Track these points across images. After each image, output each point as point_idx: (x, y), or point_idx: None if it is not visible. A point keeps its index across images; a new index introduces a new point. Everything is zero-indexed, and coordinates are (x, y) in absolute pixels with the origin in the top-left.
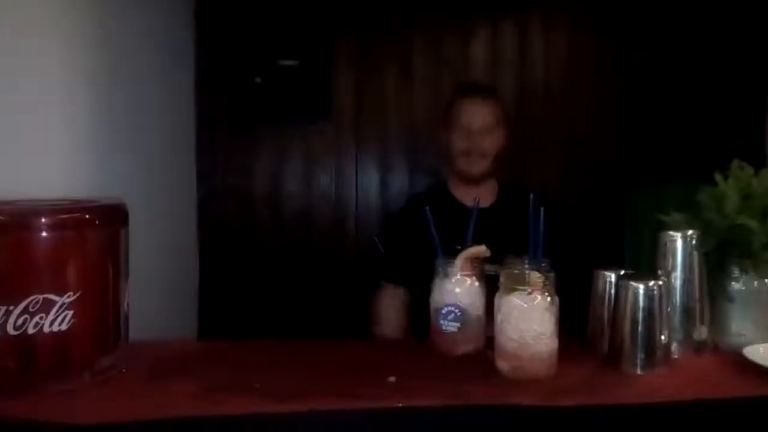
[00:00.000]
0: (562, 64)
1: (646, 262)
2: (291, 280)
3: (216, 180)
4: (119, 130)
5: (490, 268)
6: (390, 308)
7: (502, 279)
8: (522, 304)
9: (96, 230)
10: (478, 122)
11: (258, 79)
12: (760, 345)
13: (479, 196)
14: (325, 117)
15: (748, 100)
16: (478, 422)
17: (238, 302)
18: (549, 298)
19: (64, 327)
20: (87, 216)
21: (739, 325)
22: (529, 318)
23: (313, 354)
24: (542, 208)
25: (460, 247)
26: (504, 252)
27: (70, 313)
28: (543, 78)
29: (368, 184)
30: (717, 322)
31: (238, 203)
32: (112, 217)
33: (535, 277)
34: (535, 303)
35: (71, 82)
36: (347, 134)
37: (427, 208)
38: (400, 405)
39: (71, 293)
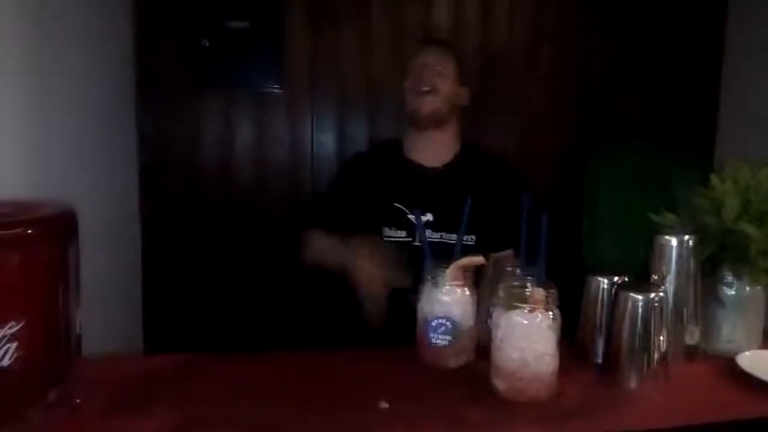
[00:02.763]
0: (525, 30)
1: (603, 226)
2: (242, 257)
3: (159, 151)
4: (47, 103)
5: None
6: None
7: (501, 294)
8: (523, 321)
9: (42, 247)
10: (431, 60)
11: (206, 42)
12: (748, 352)
13: (436, 150)
14: (278, 83)
15: (702, 68)
16: None
17: (187, 284)
18: (551, 316)
19: (6, 363)
20: (30, 231)
21: (730, 331)
22: (531, 337)
23: (290, 371)
24: (545, 215)
25: (400, 206)
26: (453, 217)
27: (14, 345)
28: (505, 43)
29: (324, 154)
30: (708, 327)
31: (184, 175)
32: (60, 229)
33: (538, 293)
34: (537, 321)
35: None
36: (302, 101)
37: (419, 212)
38: None
39: (14, 323)
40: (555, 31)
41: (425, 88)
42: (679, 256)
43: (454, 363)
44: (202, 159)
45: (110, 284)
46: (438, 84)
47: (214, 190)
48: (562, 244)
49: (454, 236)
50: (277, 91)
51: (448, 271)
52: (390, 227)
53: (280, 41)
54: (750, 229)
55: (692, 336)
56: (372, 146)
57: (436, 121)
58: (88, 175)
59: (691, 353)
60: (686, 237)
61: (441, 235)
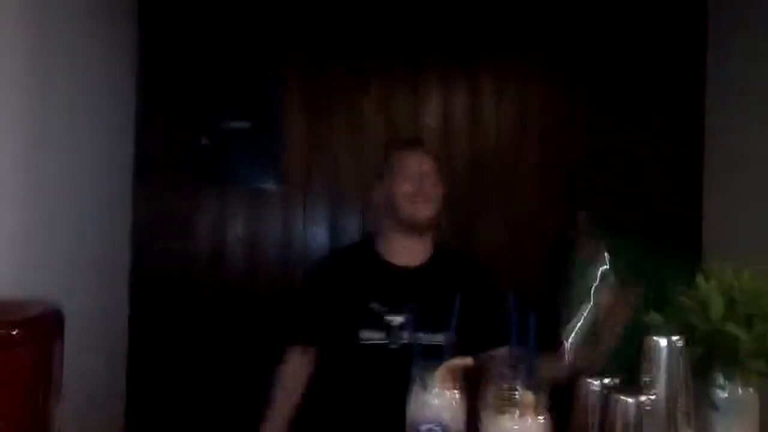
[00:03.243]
0: (513, 130)
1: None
2: (232, 351)
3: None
4: (39, 195)
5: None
6: (291, 379)
7: (489, 398)
8: (513, 426)
9: (27, 348)
10: (426, 167)
11: (205, 141)
12: None
13: (413, 252)
14: (274, 180)
15: (685, 162)
16: None
17: (174, 376)
18: (541, 420)
19: None
20: (15, 332)
21: None
22: None
23: None
24: (533, 315)
25: (377, 307)
26: (432, 316)
27: None
28: (494, 143)
29: (317, 247)
30: (702, 430)
31: (176, 266)
32: (46, 330)
33: (527, 397)
34: (527, 426)
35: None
36: (296, 196)
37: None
38: None
39: None
40: (541, 128)
41: (425, 199)
42: (669, 357)
43: None
44: (195, 249)
45: (95, 377)
46: (434, 194)
47: (206, 281)
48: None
49: (435, 336)
50: (272, 187)
51: (436, 373)
52: (367, 330)
53: (278, 140)
54: (738, 330)
55: None
56: (340, 247)
57: (428, 227)
58: (77, 263)
59: None
60: (675, 338)
61: (428, 337)
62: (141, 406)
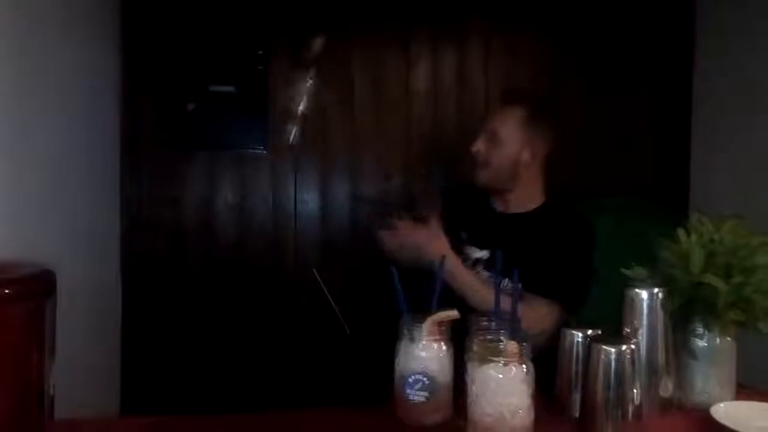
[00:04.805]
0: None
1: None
2: (224, 317)
3: (141, 210)
4: (29, 161)
5: None
6: None
7: (474, 348)
8: (498, 375)
9: (17, 307)
10: (489, 125)
11: (191, 106)
12: (722, 403)
13: (510, 202)
14: (262, 144)
15: (672, 121)
16: None
17: (166, 345)
18: (525, 369)
19: None
20: (7, 291)
21: (703, 382)
22: (506, 391)
23: None
24: (515, 269)
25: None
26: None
27: None
28: (483, 107)
29: (307, 214)
30: (681, 379)
31: (166, 236)
32: (37, 289)
33: (512, 346)
34: (511, 375)
35: None
36: (285, 161)
37: (394, 269)
38: None
39: None
40: (530, 89)
41: (482, 163)
42: (650, 308)
43: (431, 419)
44: (185, 218)
45: (88, 344)
46: (490, 156)
47: (196, 250)
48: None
49: (506, 283)
50: (260, 151)
51: (424, 325)
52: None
53: (265, 103)
54: (716, 282)
55: (666, 388)
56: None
57: (494, 190)
58: (68, 232)
59: (666, 406)
60: (656, 290)
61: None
62: (135, 371)
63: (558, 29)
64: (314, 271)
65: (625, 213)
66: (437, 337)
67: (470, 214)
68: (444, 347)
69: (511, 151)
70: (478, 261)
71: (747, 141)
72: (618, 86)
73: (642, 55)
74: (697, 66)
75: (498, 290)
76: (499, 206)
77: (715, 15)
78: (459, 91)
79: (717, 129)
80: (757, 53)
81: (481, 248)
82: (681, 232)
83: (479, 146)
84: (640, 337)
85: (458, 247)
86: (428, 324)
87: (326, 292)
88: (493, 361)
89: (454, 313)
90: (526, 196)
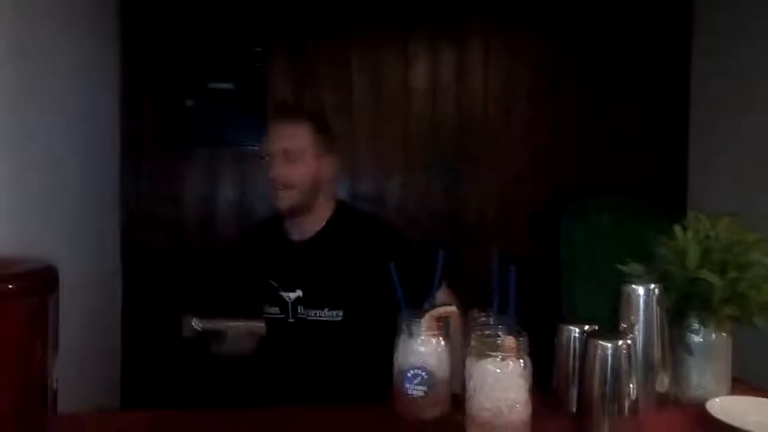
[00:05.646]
0: (500, 90)
1: (579, 279)
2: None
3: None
4: (30, 158)
5: None
6: None
7: (472, 343)
8: (495, 370)
9: (20, 302)
10: (281, 144)
11: (190, 102)
12: (718, 398)
13: (303, 227)
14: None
15: (670, 121)
16: None
17: (166, 340)
18: (522, 364)
19: None
20: (10, 286)
21: (699, 377)
22: (503, 386)
23: (265, 428)
24: (513, 267)
25: (273, 283)
26: (322, 293)
27: None
28: (481, 102)
29: None
30: (677, 374)
31: (166, 233)
32: (40, 284)
33: (509, 341)
34: (509, 369)
35: None
36: None
37: (392, 264)
38: None
39: None
40: (529, 91)
41: (279, 186)
42: (646, 304)
43: (430, 414)
44: (184, 215)
45: (89, 340)
46: (292, 177)
47: (196, 246)
48: (541, 297)
49: (326, 312)
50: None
51: (422, 320)
52: (268, 305)
53: (264, 100)
54: (712, 277)
55: (662, 383)
56: (258, 223)
57: (299, 212)
58: (69, 230)
59: (662, 401)
60: (652, 285)
61: (315, 313)
62: (136, 367)
63: (558, 29)
64: None
65: (624, 212)
66: (436, 332)
67: (271, 254)
68: (442, 342)
69: (310, 167)
70: (297, 301)
71: (744, 141)
72: (617, 86)
73: (640, 56)
74: (694, 67)
75: (496, 288)
76: (294, 235)
77: (712, 16)
78: (458, 90)
79: (714, 129)
80: (754, 54)
81: (293, 289)
82: (677, 229)
83: (276, 170)
84: (636, 333)
85: (271, 297)
86: (427, 319)
87: None
88: (490, 356)
89: (452, 309)
90: (316, 217)
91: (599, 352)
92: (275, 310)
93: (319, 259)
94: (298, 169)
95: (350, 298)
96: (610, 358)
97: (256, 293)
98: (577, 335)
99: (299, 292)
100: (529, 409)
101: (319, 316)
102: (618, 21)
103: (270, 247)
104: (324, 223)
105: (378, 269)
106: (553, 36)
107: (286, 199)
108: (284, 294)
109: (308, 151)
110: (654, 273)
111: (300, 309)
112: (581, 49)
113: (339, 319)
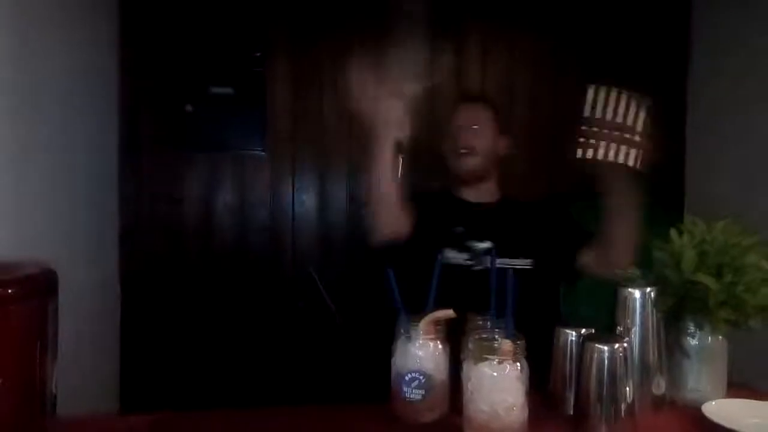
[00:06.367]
0: (499, 88)
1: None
2: (222, 316)
3: (141, 212)
4: (29, 162)
5: None
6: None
7: (470, 346)
8: (492, 373)
9: (20, 306)
10: (466, 120)
11: (189, 107)
12: (714, 401)
13: (481, 195)
14: (261, 146)
15: (668, 124)
16: None
17: (165, 344)
18: (519, 367)
19: None
20: (10, 291)
21: (695, 380)
22: (501, 388)
23: (265, 429)
24: (510, 270)
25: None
26: (510, 245)
27: None
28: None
29: (305, 215)
30: (674, 376)
31: (165, 236)
32: (40, 288)
33: (506, 345)
34: (506, 372)
35: None
36: (283, 162)
37: (391, 270)
38: None
39: None
40: (528, 91)
41: (463, 150)
42: (643, 307)
43: (428, 417)
44: (184, 219)
45: (89, 343)
46: (474, 144)
47: (195, 250)
48: (541, 300)
49: (513, 261)
50: (259, 152)
51: (420, 324)
52: (452, 250)
53: (264, 105)
54: (708, 281)
55: (659, 386)
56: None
57: (478, 177)
58: (69, 234)
59: (659, 403)
60: (648, 289)
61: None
62: (135, 370)
63: (557, 30)
64: (311, 271)
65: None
66: (433, 336)
67: (449, 211)
68: (440, 346)
69: (490, 139)
70: (485, 252)
71: (741, 143)
72: (616, 87)
73: (639, 57)
74: (692, 68)
75: (493, 286)
76: (470, 197)
77: (710, 18)
78: (458, 90)
79: (712, 131)
80: (751, 57)
81: (481, 240)
82: (674, 233)
83: (464, 140)
84: (632, 336)
85: (459, 244)
86: (424, 323)
87: (323, 292)
88: (488, 359)
89: (449, 313)
90: (493, 189)
91: (596, 355)
92: (463, 256)
93: (505, 217)
94: (480, 138)
95: (538, 249)
96: (606, 361)
97: (437, 241)
98: (574, 338)
99: (488, 244)
100: (526, 412)
101: (510, 264)
102: (617, 22)
103: (451, 207)
104: (497, 198)
105: (559, 230)
106: (552, 36)
107: (469, 162)
108: (471, 243)
109: (488, 130)
110: (650, 276)
111: (488, 258)
112: (580, 49)
113: (529, 267)
